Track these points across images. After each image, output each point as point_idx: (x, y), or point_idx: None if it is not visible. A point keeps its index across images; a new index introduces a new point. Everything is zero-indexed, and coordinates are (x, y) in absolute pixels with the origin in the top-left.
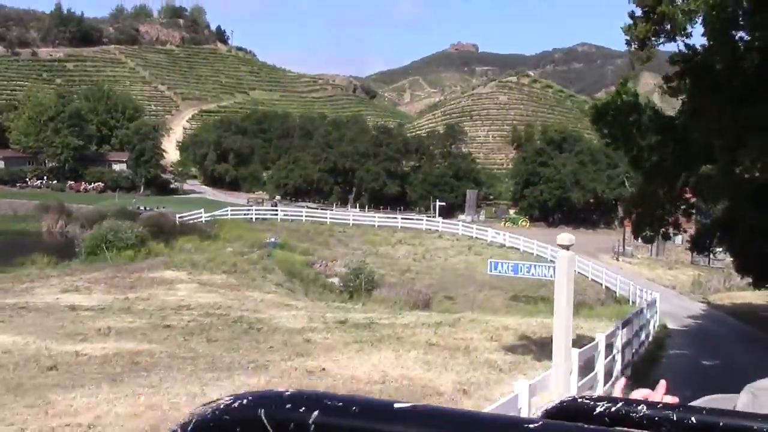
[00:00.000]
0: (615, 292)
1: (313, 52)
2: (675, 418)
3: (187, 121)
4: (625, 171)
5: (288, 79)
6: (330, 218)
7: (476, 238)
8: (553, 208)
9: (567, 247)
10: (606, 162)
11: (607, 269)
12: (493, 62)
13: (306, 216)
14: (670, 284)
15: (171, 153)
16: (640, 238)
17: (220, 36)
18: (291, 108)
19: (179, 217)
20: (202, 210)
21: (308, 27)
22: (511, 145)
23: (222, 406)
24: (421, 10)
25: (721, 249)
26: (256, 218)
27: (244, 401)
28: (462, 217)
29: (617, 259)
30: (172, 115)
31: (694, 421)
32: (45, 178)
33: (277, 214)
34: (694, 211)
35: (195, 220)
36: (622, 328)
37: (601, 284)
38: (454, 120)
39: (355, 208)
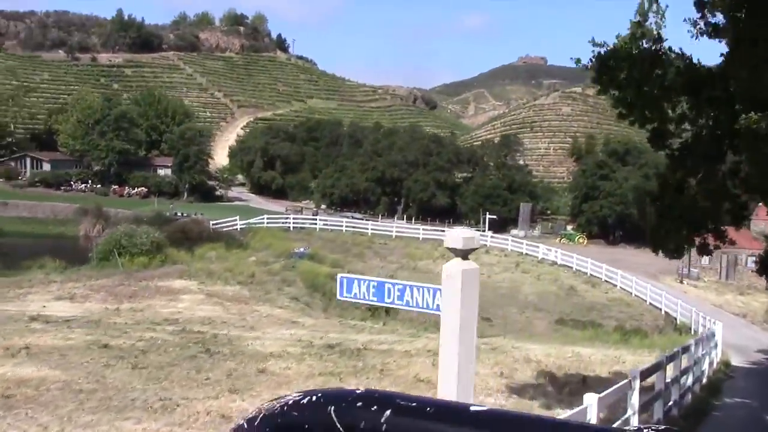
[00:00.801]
0: (675, 319)
1: (377, 64)
2: None
3: (241, 129)
4: None
5: (347, 88)
6: (372, 229)
7: (526, 254)
8: (613, 224)
9: (464, 254)
10: None
11: (668, 293)
12: (562, 75)
13: (347, 226)
14: (740, 312)
15: (222, 160)
16: (662, 252)
17: (281, 44)
18: (348, 117)
19: (213, 224)
20: (237, 217)
21: (373, 38)
22: (571, 157)
23: (291, 402)
24: (489, 21)
25: None
26: (293, 227)
27: (314, 398)
28: (514, 231)
29: (681, 282)
30: (227, 123)
31: None
32: (90, 181)
33: (316, 224)
34: (749, 214)
35: (229, 228)
36: (642, 377)
37: (660, 309)
38: (514, 131)
39: (402, 219)
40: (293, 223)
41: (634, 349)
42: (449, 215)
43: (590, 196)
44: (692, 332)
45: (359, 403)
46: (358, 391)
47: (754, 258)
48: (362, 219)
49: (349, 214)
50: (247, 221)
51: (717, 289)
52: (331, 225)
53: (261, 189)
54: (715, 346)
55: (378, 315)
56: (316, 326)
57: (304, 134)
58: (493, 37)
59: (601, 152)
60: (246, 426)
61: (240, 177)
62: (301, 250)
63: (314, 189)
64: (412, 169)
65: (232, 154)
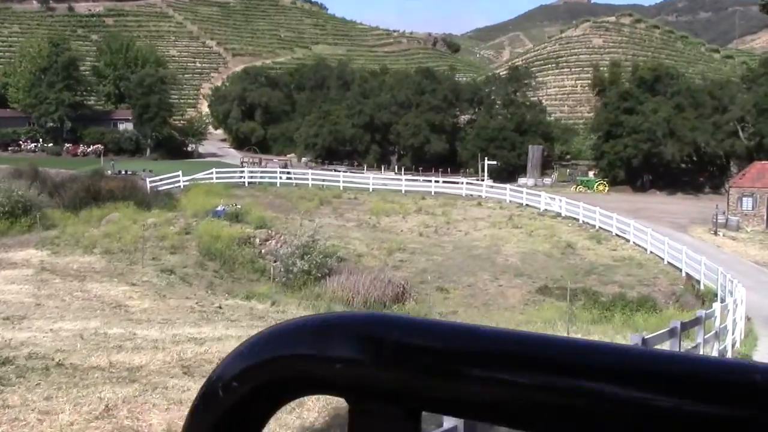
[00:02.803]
0: (698, 282)
1: (405, 11)
2: None
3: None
4: (740, 117)
5: (357, 32)
6: (344, 182)
7: (527, 205)
8: (640, 167)
9: None
10: (712, 105)
11: (690, 249)
12: (607, 13)
13: (314, 179)
14: None
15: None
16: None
17: None
18: (357, 64)
19: (151, 182)
20: (180, 172)
21: None
22: (593, 90)
23: (306, 322)
24: None
25: None
26: (249, 182)
27: (338, 318)
28: (522, 180)
29: (716, 234)
30: (219, 73)
31: None
32: (41, 140)
33: (276, 177)
34: None
35: (170, 186)
36: None
37: (681, 270)
38: (537, 68)
39: (393, 171)
40: (249, 177)
41: (614, 333)
42: (448, 164)
43: (613, 134)
44: (719, 300)
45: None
46: (363, 314)
47: None
48: (345, 171)
49: (332, 167)
50: (193, 177)
51: (762, 241)
52: (297, 178)
53: (242, 143)
54: (720, 334)
55: (295, 287)
56: (144, 312)
57: (289, 78)
58: None
59: (627, 82)
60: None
61: (219, 130)
62: (221, 208)
63: (297, 140)
64: (403, 111)
65: (210, 104)
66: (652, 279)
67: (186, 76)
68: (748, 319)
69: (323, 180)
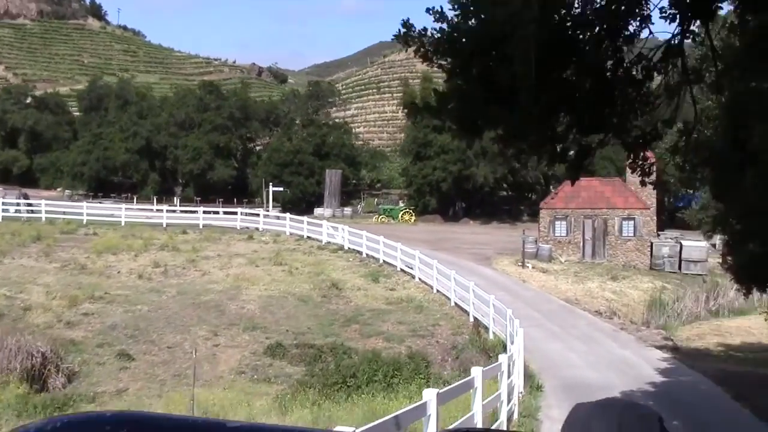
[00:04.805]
0: (488, 329)
1: (245, 47)
2: None
3: None
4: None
5: (174, 60)
6: (88, 216)
7: (308, 238)
8: (451, 193)
9: None
10: None
11: (488, 285)
12: None
13: (52, 213)
14: (607, 309)
15: None
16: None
17: (95, 11)
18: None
19: None
20: None
21: (242, 21)
22: (403, 110)
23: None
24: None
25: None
26: None
27: (59, 424)
28: (319, 210)
29: (523, 266)
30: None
31: None
32: None
33: None
34: None
35: None
36: None
37: (468, 313)
38: (357, 94)
39: (166, 203)
40: None
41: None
42: (238, 193)
43: (421, 156)
44: (507, 351)
45: (108, 428)
46: (107, 415)
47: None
48: (112, 204)
49: (97, 200)
50: None
51: (577, 272)
52: (31, 212)
53: (4, 175)
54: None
55: None
56: None
57: (75, 103)
58: (373, 15)
59: None
60: None
61: None
62: None
63: (65, 169)
64: (183, 132)
65: None
66: (431, 327)
67: None
68: (537, 388)
69: (63, 213)
